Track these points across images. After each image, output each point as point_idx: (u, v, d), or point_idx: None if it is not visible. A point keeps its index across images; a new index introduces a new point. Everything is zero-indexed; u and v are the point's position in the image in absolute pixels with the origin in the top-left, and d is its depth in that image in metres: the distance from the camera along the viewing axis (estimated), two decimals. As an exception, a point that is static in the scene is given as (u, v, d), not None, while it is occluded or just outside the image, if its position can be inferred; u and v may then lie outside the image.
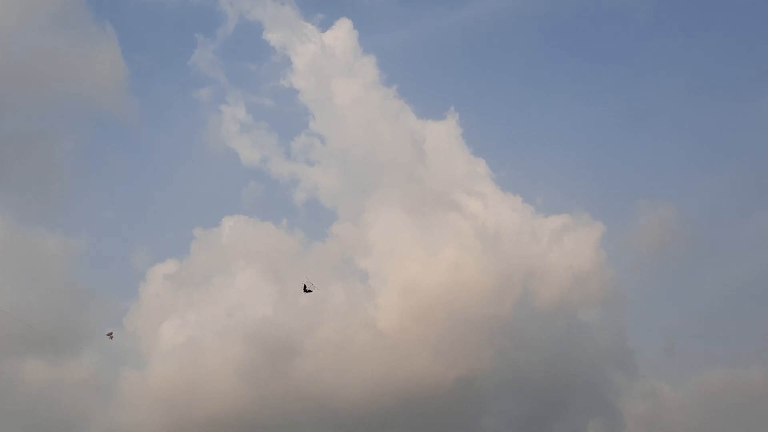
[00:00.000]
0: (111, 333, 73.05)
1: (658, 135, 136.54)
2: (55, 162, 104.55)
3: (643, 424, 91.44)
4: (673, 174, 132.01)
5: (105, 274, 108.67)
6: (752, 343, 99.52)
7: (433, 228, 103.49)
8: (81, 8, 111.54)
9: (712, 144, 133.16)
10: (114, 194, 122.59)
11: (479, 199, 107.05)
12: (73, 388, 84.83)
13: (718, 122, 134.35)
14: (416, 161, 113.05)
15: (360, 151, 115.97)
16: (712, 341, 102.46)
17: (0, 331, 78.45)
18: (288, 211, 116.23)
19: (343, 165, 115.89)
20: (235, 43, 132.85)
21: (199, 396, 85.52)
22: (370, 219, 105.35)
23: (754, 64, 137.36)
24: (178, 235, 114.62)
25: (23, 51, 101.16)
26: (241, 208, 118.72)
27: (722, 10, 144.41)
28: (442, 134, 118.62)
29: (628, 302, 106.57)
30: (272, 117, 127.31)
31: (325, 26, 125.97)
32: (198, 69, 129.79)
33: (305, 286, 75.33)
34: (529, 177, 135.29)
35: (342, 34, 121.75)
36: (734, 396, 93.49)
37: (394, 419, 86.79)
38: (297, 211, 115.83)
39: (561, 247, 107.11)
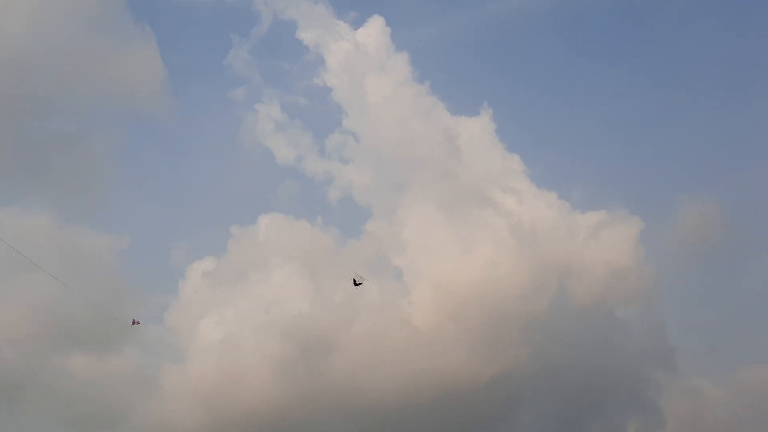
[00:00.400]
0: (135, 320, 72.99)
1: (697, 128, 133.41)
2: (96, 161, 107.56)
3: (685, 422, 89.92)
4: (713, 168, 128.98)
5: (145, 271, 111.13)
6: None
7: (467, 225, 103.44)
8: (121, 10, 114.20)
9: (752, 137, 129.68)
10: (153, 192, 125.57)
11: (514, 196, 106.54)
12: (116, 382, 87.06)
13: (759, 115, 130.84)
14: (450, 158, 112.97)
15: (393, 149, 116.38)
16: (754, 337, 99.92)
17: (47, 328, 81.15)
18: (323, 209, 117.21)
19: (377, 162, 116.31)
20: (270, 42, 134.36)
21: (237, 391, 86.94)
22: (404, 216, 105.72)
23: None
24: (215, 233, 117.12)
25: (66, 53, 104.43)
26: (277, 205, 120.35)
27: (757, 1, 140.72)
28: (476, 130, 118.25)
29: (667, 299, 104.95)
30: (306, 115, 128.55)
31: (357, 24, 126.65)
32: (233, 69, 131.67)
33: (355, 280, 76.37)
34: (565, 172, 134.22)
35: (374, 31, 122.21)
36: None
37: (430, 416, 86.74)
38: (331, 208, 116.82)
39: (598, 244, 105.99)
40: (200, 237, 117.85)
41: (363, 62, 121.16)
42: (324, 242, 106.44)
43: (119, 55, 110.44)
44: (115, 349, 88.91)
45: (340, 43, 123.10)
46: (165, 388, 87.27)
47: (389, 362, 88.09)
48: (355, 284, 76.86)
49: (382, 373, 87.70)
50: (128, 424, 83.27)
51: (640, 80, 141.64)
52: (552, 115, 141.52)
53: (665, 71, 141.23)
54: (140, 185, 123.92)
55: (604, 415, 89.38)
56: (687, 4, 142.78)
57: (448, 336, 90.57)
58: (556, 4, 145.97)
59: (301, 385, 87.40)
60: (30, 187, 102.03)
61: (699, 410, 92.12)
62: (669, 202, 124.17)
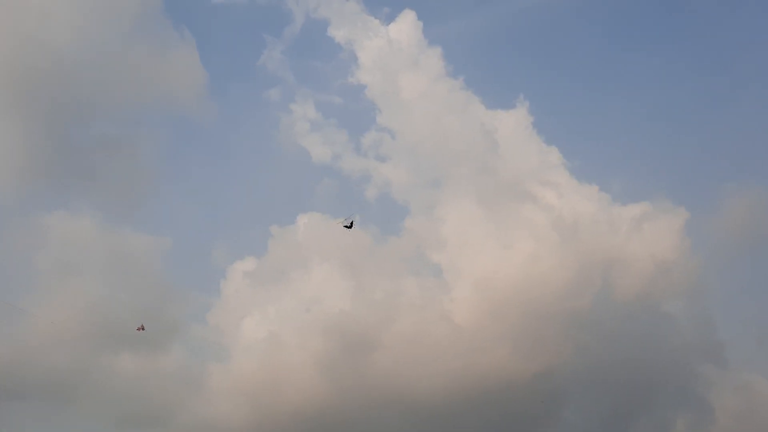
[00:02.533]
0: (141, 326, 73.18)
1: (743, 114, 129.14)
2: (140, 164, 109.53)
3: (736, 418, 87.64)
4: (761, 155, 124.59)
5: (188, 272, 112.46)
6: None
7: (507, 220, 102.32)
8: (159, 16, 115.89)
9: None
10: (195, 194, 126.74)
11: (553, 189, 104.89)
12: (163, 380, 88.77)
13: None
14: (487, 152, 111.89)
15: (430, 145, 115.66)
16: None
17: (96, 329, 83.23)
18: (361, 207, 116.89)
19: (414, 159, 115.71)
20: (303, 41, 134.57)
21: (281, 388, 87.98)
22: (442, 213, 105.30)
23: None
24: (255, 233, 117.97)
25: (109, 60, 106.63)
26: (315, 205, 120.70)
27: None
28: (512, 124, 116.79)
29: (716, 292, 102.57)
30: (341, 114, 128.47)
31: (389, 19, 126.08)
32: (267, 69, 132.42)
33: (346, 225, 74.55)
34: (605, 164, 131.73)
35: (406, 27, 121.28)
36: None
37: (472, 412, 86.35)
38: (369, 206, 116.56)
39: (641, 236, 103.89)
40: (241, 237, 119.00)
41: (397, 59, 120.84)
42: (363, 240, 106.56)
43: (161, 60, 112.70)
44: (162, 349, 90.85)
45: (373, 40, 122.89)
46: (210, 386, 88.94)
47: (431, 359, 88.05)
48: (347, 227, 75.13)
49: (424, 370, 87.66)
50: (176, 421, 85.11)
51: (681, 67, 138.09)
52: (590, 105, 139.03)
53: (707, 57, 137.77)
54: (182, 187, 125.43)
55: (652, 411, 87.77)
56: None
57: (490, 333, 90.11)
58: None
59: (344, 382, 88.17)
60: (76, 191, 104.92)
61: (750, 406, 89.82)
62: (715, 191, 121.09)
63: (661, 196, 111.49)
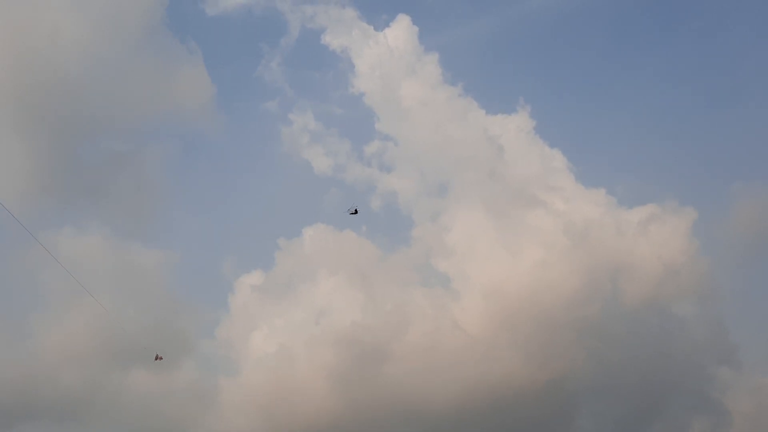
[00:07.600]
0: (158, 356, 72.97)
1: (751, 112, 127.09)
2: (148, 179, 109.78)
3: (753, 421, 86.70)
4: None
5: (197, 286, 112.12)
6: None
7: (514, 226, 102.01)
8: (165, 29, 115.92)
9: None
10: (202, 208, 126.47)
11: (558, 194, 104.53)
12: (174, 395, 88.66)
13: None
14: (491, 158, 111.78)
15: (433, 153, 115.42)
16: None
17: (107, 346, 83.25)
18: (366, 217, 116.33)
19: (418, 167, 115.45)
20: (299, 51, 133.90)
21: (293, 401, 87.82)
22: (448, 221, 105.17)
23: None
24: (262, 246, 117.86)
25: (116, 75, 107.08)
26: (321, 216, 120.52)
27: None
28: (514, 129, 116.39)
29: (726, 293, 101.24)
30: (342, 124, 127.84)
31: (384, 25, 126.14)
32: (264, 81, 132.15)
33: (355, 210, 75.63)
34: (610, 166, 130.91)
35: (402, 33, 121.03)
36: None
37: (485, 422, 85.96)
38: (375, 216, 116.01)
39: (649, 239, 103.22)
40: (248, 251, 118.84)
41: (394, 66, 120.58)
42: (370, 251, 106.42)
43: (168, 74, 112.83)
44: (173, 365, 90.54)
45: (369, 48, 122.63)
46: (222, 400, 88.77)
47: (442, 369, 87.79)
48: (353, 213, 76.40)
49: (436, 380, 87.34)
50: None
51: (685, 66, 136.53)
52: (592, 106, 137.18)
53: (711, 57, 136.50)
54: (190, 201, 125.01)
55: (667, 415, 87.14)
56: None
57: (501, 341, 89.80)
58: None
59: (356, 393, 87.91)
60: (84, 207, 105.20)
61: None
62: (723, 191, 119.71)
63: (668, 197, 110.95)
